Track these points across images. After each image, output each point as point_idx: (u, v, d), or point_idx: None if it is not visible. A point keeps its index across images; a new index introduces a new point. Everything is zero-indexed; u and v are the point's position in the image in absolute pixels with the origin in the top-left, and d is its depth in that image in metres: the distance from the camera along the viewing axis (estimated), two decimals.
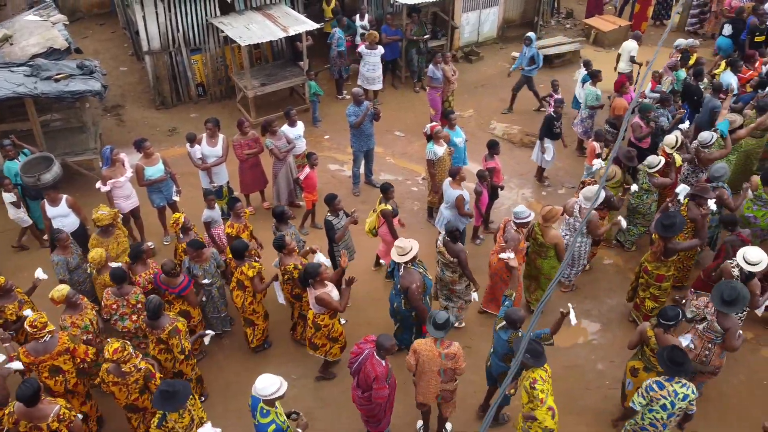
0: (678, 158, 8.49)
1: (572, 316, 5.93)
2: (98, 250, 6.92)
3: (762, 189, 7.82)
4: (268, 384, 5.10)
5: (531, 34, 11.93)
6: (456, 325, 7.48)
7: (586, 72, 10.70)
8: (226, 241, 7.65)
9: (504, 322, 5.97)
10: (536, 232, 7.30)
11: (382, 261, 8.50)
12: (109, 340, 5.71)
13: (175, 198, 8.77)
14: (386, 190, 7.77)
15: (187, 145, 8.85)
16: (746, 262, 6.51)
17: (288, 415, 5.40)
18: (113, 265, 6.82)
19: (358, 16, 12.81)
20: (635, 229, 8.64)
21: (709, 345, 6.17)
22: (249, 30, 11.26)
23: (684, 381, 5.40)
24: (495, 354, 6.17)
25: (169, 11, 11.51)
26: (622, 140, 9.60)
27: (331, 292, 6.48)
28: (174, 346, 6.08)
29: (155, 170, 8.42)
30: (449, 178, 8.12)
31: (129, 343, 5.66)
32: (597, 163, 8.35)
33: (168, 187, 8.66)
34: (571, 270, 7.97)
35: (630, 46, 11.69)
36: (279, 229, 7.43)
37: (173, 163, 9.18)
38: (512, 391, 5.84)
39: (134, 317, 6.55)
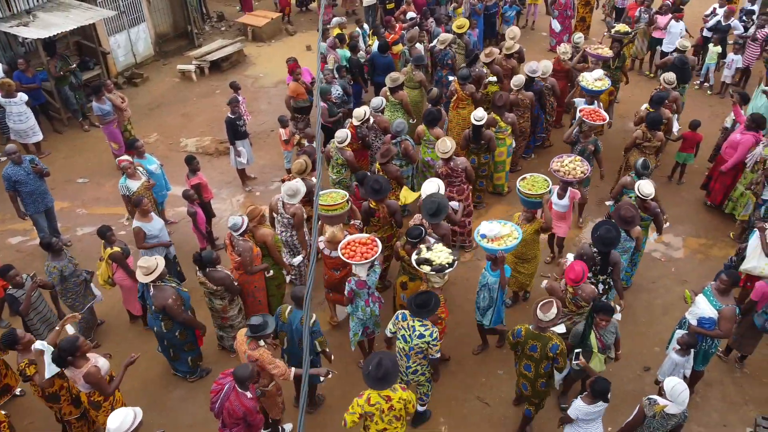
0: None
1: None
2: None
3: (428, 132, 8.86)
4: (122, 417, 4.78)
5: None
6: (232, 356, 7.21)
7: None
8: None
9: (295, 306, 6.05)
10: (250, 233, 7.16)
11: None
12: None
13: None
14: (104, 233, 7.14)
15: None
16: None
17: None
18: None
19: None
20: None
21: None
22: None
23: (426, 323, 5.73)
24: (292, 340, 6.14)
25: None
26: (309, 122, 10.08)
27: (98, 362, 5.57)
28: None
29: None
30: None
31: None
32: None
33: None
34: (293, 258, 7.87)
35: None
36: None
37: None
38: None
39: None
